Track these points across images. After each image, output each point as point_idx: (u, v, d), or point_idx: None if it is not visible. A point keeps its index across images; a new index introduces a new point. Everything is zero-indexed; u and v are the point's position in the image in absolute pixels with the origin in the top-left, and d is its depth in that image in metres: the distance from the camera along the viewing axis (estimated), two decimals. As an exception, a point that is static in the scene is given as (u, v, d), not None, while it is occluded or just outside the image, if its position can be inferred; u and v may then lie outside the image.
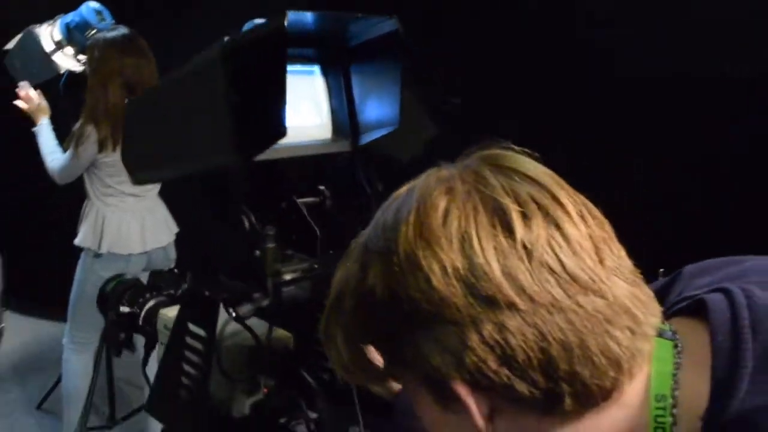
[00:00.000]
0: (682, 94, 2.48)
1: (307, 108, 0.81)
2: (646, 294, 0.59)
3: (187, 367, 0.86)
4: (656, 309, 0.60)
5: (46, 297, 4.10)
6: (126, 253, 2.56)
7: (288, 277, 0.85)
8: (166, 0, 3.49)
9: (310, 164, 0.91)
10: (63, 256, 2.72)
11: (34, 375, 3.75)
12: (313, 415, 0.92)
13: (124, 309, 1.02)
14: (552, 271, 0.53)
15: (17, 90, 2.60)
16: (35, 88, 2.64)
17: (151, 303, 0.99)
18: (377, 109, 0.83)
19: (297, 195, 0.88)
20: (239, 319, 0.79)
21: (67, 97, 2.56)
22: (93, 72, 2.43)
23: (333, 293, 0.62)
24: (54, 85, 2.59)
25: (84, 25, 2.52)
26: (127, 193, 2.53)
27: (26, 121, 2.64)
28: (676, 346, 0.61)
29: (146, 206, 2.64)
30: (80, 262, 2.58)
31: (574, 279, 0.54)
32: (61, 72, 2.58)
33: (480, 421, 0.59)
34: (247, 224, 0.85)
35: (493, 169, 0.57)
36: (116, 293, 1.03)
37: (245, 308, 0.81)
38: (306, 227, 0.86)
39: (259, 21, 2.73)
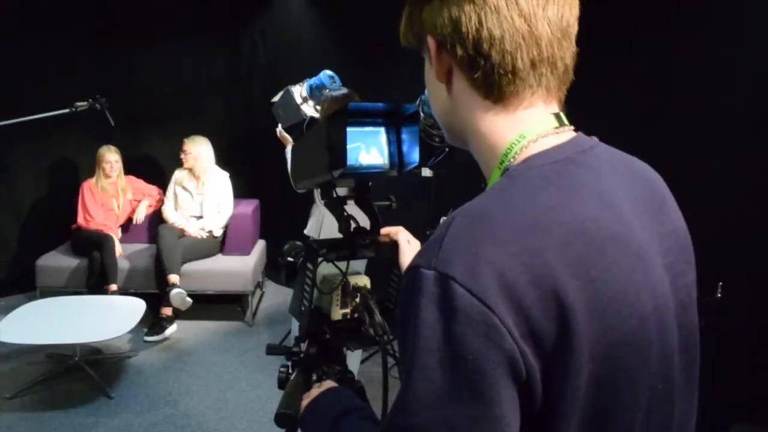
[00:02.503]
0: None
1: (375, 151, 1.25)
2: (563, 61, 0.69)
3: (306, 287, 1.22)
4: (565, 79, 0.71)
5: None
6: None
7: (361, 242, 1.27)
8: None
9: (381, 183, 1.33)
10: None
11: (278, 324, 4.43)
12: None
13: (290, 259, 1.31)
14: None
15: (277, 129, 3.18)
16: (288, 128, 3.23)
17: (301, 258, 1.31)
18: (413, 153, 1.23)
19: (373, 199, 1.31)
20: (328, 259, 1.22)
21: None
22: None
23: None
24: (300, 127, 3.01)
25: (321, 86, 2.99)
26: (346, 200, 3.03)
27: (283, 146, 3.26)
28: (559, 119, 0.71)
29: (352, 211, 3.11)
30: None
31: (516, 3, 0.65)
32: (306, 118, 3.05)
33: (438, 68, 0.71)
34: (345, 214, 1.29)
35: None
36: (288, 251, 1.32)
37: (332, 254, 1.23)
38: (375, 218, 1.29)
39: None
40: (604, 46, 2.59)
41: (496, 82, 0.67)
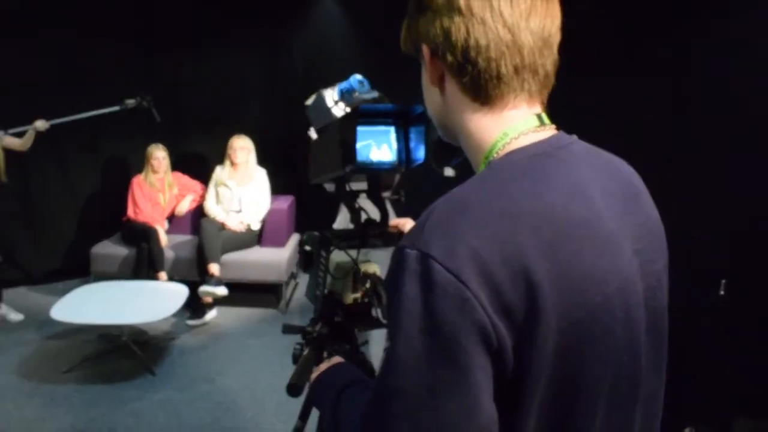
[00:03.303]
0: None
1: (385, 148, 1.30)
2: (544, 68, 0.72)
3: (320, 273, 1.31)
4: (546, 83, 0.74)
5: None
6: None
7: (371, 232, 1.33)
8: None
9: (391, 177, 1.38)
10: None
11: (310, 312, 4.46)
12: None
13: (307, 248, 1.38)
14: (491, 6, 0.69)
15: (309, 132, 3.24)
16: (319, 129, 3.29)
17: (316, 246, 1.36)
18: (419, 151, 1.28)
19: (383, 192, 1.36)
20: (340, 247, 1.29)
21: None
22: None
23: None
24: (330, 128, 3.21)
25: (351, 90, 3.08)
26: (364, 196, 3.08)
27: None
28: (540, 119, 0.74)
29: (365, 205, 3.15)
30: None
31: (501, 14, 0.69)
32: (336, 120, 3.20)
33: (431, 73, 0.76)
34: (357, 205, 1.34)
35: None
36: (306, 241, 1.39)
37: (343, 243, 1.30)
38: (384, 210, 1.34)
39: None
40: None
41: (482, 87, 0.71)
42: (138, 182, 4.75)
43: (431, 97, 0.80)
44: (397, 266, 0.64)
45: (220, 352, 3.86)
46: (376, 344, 2.59)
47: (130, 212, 4.71)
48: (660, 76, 2.80)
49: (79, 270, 4.85)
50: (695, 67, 2.77)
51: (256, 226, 4.73)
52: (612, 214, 0.71)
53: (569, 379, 0.65)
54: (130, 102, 4.44)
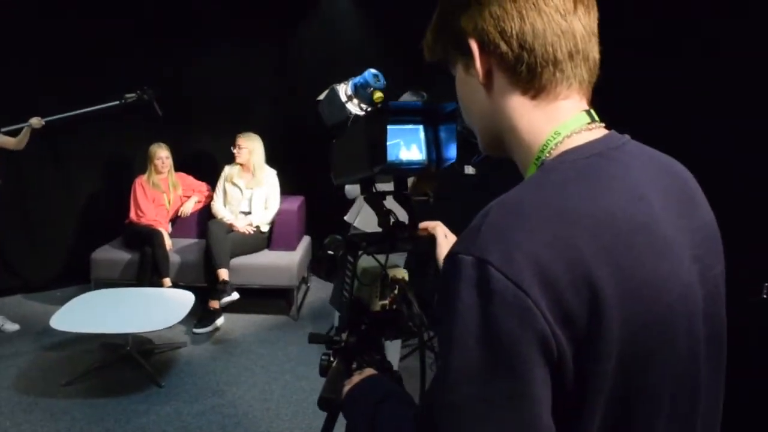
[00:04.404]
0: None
1: (414, 147, 1.30)
2: (593, 55, 0.74)
3: (347, 279, 1.28)
4: (594, 72, 0.75)
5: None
6: (371, 231, 3.13)
7: (400, 236, 1.32)
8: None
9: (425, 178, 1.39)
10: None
11: (322, 318, 4.54)
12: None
13: (330, 252, 1.35)
14: None
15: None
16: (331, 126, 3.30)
17: (341, 251, 1.35)
18: (450, 150, 1.29)
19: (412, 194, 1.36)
20: (368, 252, 1.29)
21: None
22: None
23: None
24: (344, 125, 3.21)
25: (365, 85, 3.09)
26: (383, 191, 3.07)
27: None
28: (590, 116, 0.75)
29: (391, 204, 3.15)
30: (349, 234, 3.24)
31: (552, 0, 0.71)
32: (350, 116, 3.20)
33: (480, 69, 0.75)
34: (385, 208, 1.34)
35: None
36: (328, 245, 1.42)
37: (372, 248, 1.30)
38: (412, 212, 1.35)
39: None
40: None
41: (538, 75, 0.72)
42: (140, 183, 4.77)
43: (474, 100, 0.79)
44: (450, 273, 0.63)
45: (230, 361, 3.86)
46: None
47: (133, 215, 4.72)
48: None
49: (78, 276, 4.87)
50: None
51: (265, 229, 4.74)
52: (670, 217, 0.71)
53: (630, 391, 0.65)
54: (130, 96, 4.46)
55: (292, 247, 4.76)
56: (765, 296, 2.12)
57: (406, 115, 1.29)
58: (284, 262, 4.57)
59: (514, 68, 0.72)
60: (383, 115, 1.18)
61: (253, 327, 4.41)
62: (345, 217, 3.29)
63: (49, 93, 4.56)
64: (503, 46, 0.72)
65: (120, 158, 5.27)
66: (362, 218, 3.19)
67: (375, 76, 3.68)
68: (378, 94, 3.53)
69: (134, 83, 4.60)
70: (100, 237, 4.84)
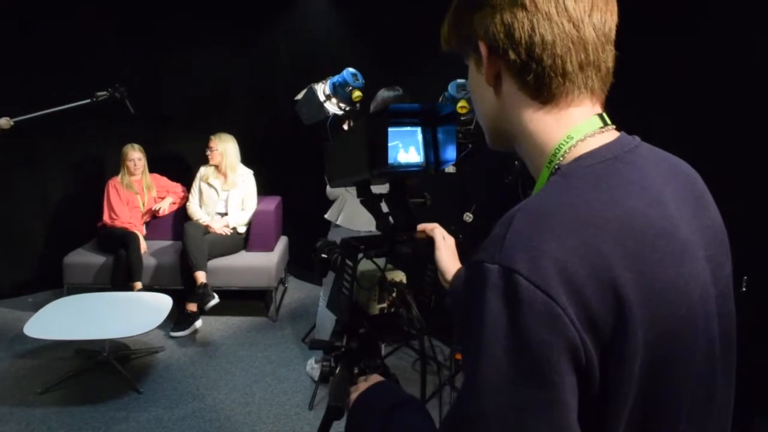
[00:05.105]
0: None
1: (412, 150, 1.29)
2: (606, 64, 0.73)
3: (345, 283, 1.25)
4: (607, 80, 0.75)
5: (313, 268, 4.80)
6: (355, 229, 3.09)
7: (398, 239, 1.31)
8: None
9: (418, 180, 1.37)
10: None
11: (302, 319, 4.49)
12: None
13: (324, 256, 1.33)
14: (556, 0, 0.70)
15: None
16: (313, 126, 3.23)
17: (335, 254, 1.33)
18: (448, 151, 1.27)
19: (410, 197, 1.35)
20: (368, 256, 1.27)
21: (332, 132, 2.94)
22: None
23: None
24: (323, 125, 3.03)
25: (344, 84, 3.02)
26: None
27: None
28: (603, 119, 0.75)
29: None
30: (328, 233, 3.20)
31: (566, 9, 0.70)
32: (329, 115, 3.05)
33: (489, 72, 0.75)
34: (384, 210, 1.33)
35: None
36: (321, 247, 1.35)
37: (371, 252, 1.28)
38: (410, 214, 1.33)
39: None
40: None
41: (546, 85, 0.71)
42: (114, 185, 4.66)
43: (483, 98, 0.79)
44: (475, 282, 0.63)
45: (209, 365, 3.80)
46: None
47: (106, 217, 4.62)
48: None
49: (50, 281, 4.75)
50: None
51: (242, 230, 4.68)
52: (685, 219, 0.72)
53: (653, 394, 0.65)
54: (102, 94, 4.34)
55: (269, 248, 4.71)
56: (744, 289, 2.16)
57: (404, 117, 1.27)
58: (262, 263, 4.52)
59: (522, 75, 0.72)
60: (384, 117, 1.16)
61: (232, 329, 4.35)
62: (326, 216, 3.25)
63: (18, 93, 4.41)
64: (512, 54, 0.71)
65: (92, 159, 5.14)
66: (345, 216, 3.17)
67: (354, 75, 3.64)
68: (357, 93, 3.51)
69: (106, 82, 4.49)
70: (72, 240, 4.71)
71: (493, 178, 3.23)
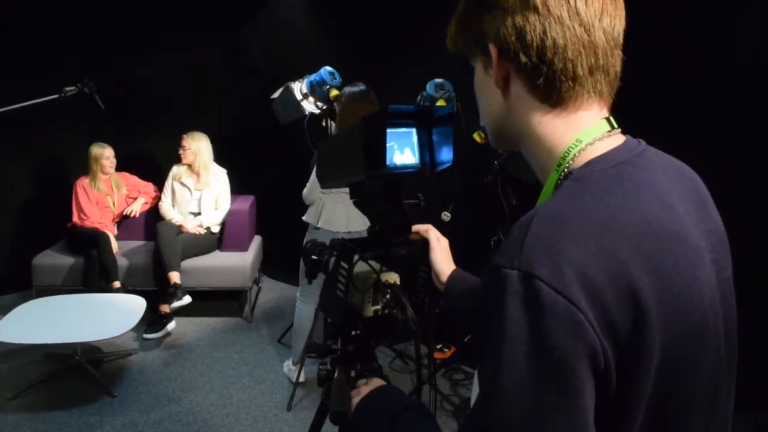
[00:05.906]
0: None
1: (407, 151, 1.28)
2: (614, 68, 0.74)
3: (339, 285, 1.24)
4: (615, 84, 0.75)
5: (287, 268, 4.68)
6: (334, 230, 3.07)
7: (393, 240, 1.30)
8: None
9: (410, 181, 1.36)
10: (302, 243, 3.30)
11: (277, 319, 4.45)
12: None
13: (314, 257, 1.35)
14: (568, 4, 0.70)
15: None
16: (288, 125, 3.16)
17: (326, 255, 1.34)
18: (444, 153, 1.26)
19: (404, 198, 1.33)
20: (364, 258, 1.25)
21: (309, 131, 3.02)
22: (341, 113, 2.88)
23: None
24: (300, 123, 3.08)
25: (322, 82, 2.98)
26: (341, 191, 3.00)
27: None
28: (610, 123, 0.75)
29: (348, 208, 3.07)
30: (306, 234, 3.17)
31: (577, 13, 0.70)
32: (306, 114, 3.07)
33: (498, 74, 0.75)
34: (378, 212, 1.31)
35: None
36: (311, 249, 1.37)
37: (368, 253, 1.26)
38: (405, 215, 1.32)
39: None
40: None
41: (556, 88, 0.71)
42: (82, 185, 4.53)
43: (490, 100, 0.79)
44: (494, 288, 0.62)
45: (185, 367, 3.73)
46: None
47: (75, 218, 4.49)
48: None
49: (17, 283, 4.61)
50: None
51: (215, 229, 4.61)
52: (692, 222, 0.73)
53: (668, 396, 0.66)
54: (70, 90, 4.21)
55: (243, 248, 4.65)
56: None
57: (399, 118, 1.25)
58: (237, 263, 4.46)
59: (532, 79, 0.72)
60: (382, 118, 1.14)
61: (206, 330, 4.28)
62: (304, 218, 3.22)
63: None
64: (523, 57, 0.71)
65: (58, 158, 4.99)
66: (325, 218, 3.14)
67: (331, 73, 3.61)
68: (334, 92, 3.49)
69: (74, 79, 4.36)
70: (39, 241, 4.57)
71: (469, 177, 3.24)
